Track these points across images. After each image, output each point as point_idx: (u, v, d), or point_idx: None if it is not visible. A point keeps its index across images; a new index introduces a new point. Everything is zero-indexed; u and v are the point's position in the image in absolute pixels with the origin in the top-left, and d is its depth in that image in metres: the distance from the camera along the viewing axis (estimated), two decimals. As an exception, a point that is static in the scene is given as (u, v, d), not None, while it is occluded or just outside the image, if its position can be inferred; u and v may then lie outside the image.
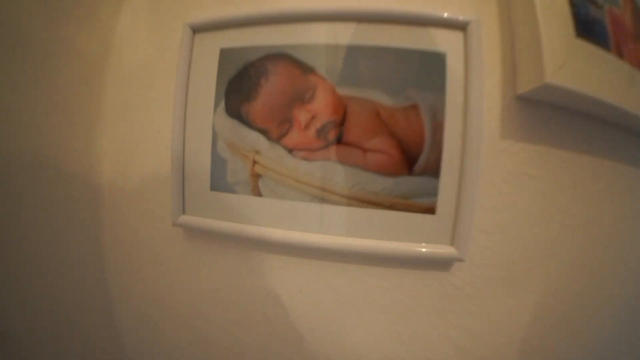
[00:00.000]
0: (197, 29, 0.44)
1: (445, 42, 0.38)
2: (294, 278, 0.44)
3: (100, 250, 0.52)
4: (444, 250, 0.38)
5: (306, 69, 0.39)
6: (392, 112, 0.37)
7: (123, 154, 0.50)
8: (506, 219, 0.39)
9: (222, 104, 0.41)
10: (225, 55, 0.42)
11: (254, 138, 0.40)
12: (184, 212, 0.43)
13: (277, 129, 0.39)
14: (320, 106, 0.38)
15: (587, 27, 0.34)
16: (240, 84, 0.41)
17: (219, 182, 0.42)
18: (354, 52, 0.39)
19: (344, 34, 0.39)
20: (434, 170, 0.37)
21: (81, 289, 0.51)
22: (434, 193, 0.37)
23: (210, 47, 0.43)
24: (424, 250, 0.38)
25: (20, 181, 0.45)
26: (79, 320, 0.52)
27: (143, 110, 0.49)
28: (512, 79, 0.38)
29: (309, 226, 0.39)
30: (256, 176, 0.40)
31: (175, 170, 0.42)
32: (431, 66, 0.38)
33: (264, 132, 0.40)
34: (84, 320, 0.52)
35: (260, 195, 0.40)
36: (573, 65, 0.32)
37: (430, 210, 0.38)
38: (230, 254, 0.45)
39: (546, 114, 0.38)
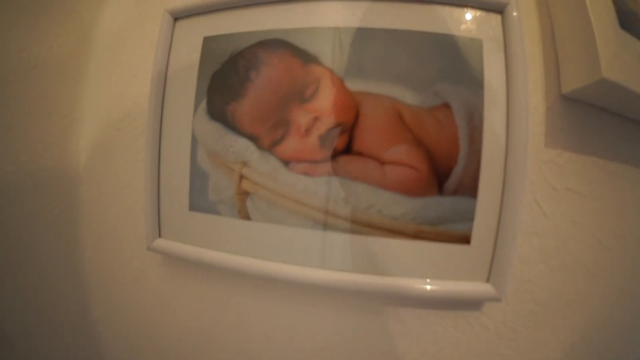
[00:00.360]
0: (178, 16, 0.35)
1: (480, 26, 0.29)
2: (292, 319, 0.34)
3: (80, 271, 0.44)
4: (478, 288, 0.29)
5: (307, 59, 0.30)
6: (417, 114, 0.28)
7: (100, 164, 0.42)
8: (548, 245, 0.32)
9: (204, 103, 0.33)
10: (210, 44, 0.33)
11: (241, 146, 0.31)
12: (159, 235, 0.35)
13: (269, 135, 0.30)
14: (325, 105, 0.29)
15: (627, 19, 0.29)
16: (225, 79, 0.32)
17: (199, 201, 0.33)
18: (368, 36, 0.29)
19: (356, 14, 0.30)
20: (469, 189, 0.28)
21: (63, 311, 0.44)
22: (469, 217, 0.28)
23: (193, 36, 0.34)
24: (454, 290, 0.28)
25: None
26: (61, 344, 0.45)
27: (121, 112, 0.41)
28: (555, 75, 0.31)
29: (310, 259, 0.30)
30: (243, 194, 0.31)
31: (148, 185, 0.34)
32: (465, 55, 0.29)
33: (253, 138, 0.30)
34: (67, 345, 0.45)
35: (248, 218, 0.31)
36: (624, 60, 0.27)
37: (465, 239, 0.28)
38: (215, 286, 0.36)
39: (593, 117, 0.31)
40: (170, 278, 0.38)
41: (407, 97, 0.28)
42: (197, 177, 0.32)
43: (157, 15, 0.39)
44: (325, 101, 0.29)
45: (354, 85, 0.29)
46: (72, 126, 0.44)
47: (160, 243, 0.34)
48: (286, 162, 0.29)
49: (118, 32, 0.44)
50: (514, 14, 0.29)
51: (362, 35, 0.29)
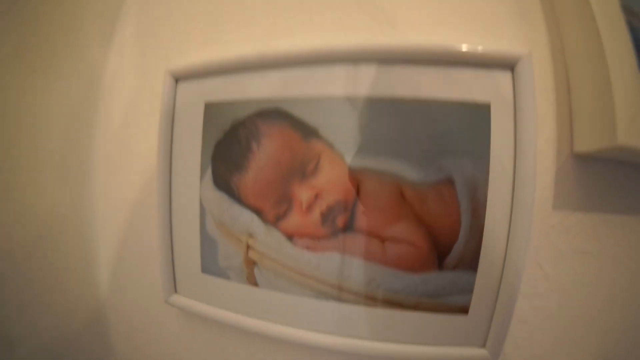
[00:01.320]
0: (179, 77, 0.34)
1: (488, 87, 0.27)
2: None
3: (101, 315, 0.45)
4: (474, 353, 0.28)
5: (307, 132, 0.29)
6: (419, 191, 0.27)
7: (116, 216, 0.43)
8: (550, 305, 0.30)
9: (209, 172, 0.32)
10: (211, 111, 0.32)
11: (247, 219, 0.31)
12: (175, 291, 0.36)
13: (273, 210, 0.30)
14: (326, 183, 0.28)
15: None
16: (228, 149, 0.31)
17: (210, 265, 0.33)
18: (369, 107, 0.28)
19: (357, 82, 0.28)
20: (470, 263, 0.27)
21: (84, 353, 0.45)
22: (468, 290, 0.27)
23: (195, 100, 0.33)
24: (450, 354, 0.28)
25: (11, 248, 0.39)
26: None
27: (132, 166, 0.41)
28: (568, 132, 0.28)
29: (316, 325, 0.30)
30: (251, 263, 0.31)
31: (162, 246, 0.34)
32: (471, 123, 0.27)
33: (258, 212, 0.30)
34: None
35: (256, 285, 0.31)
36: None
37: (463, 310, 0.28)
38: (232, 342, 0.37)
39: (606, 172, 0.28)
40: (189, 328, 0.39)
41: (409, 173, 0.27)
42: (207, 243, 0.33)
43: (156, 70, 0.38)
44: (325, 178, 0.28)
45: (354, 162, 0.28)
46: (85, 179, 0.43)
47: (176, 299, 0.35)
48: (290, 237, 0.29)
49: (123, 84, 0.43)
50: (526, 69, 0.26)
51: (363, 107, 0.28)
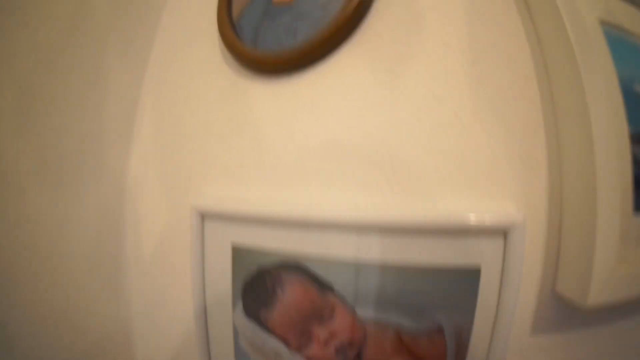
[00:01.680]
0: (206, 215, 0.38)
1: (482, 251, 0.31)
2: None
3: None
4: None
5: (323, 287, 0.35)
6: (414, 336, 0.34)
7: (151, 313, 0.47)
8: None
9: (240, 304, 0.38)
10: (238, 254, 0.37)
11: (274, 345, 0.38)
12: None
13: (296, 341, 0.37)
14: (339, 327, 0.35)
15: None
16: (256, 290, 0.37)
17: (244, 371, 0.41)
18: (376, 270, 0.33)
19: (365, 248, 0.33)
20: (452, 387, 0.35)
21: None
22: (450, 406, 0.36)
23: (222, 239, 0.38)
24: None
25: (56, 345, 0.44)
26: None
27: (165, 272, 0.46)
28: (554, 272, 0.31)
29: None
30: (279, 375, 0.39)
31: (200, 352, 0.42)
32: (462, 283, 0.32)
33: (284, 340, 0.37)
34: None
35: (284, 389, 0.39)
36: (624, 275, 0.26)
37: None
38: None
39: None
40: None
41: (407, 323, 0.33)
42: (241, 354, 0.40)
43: (181, 199, 0.41)
44: (339, 323, 0.35)
45: (362, 313, 0.34)
46: (119, 287, 0.47)
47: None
48: (310, 362, 0.37)
49: (148, 192, 0.45)
50: (518, 237, 0.28)
51: (371, 269, 0.33)
